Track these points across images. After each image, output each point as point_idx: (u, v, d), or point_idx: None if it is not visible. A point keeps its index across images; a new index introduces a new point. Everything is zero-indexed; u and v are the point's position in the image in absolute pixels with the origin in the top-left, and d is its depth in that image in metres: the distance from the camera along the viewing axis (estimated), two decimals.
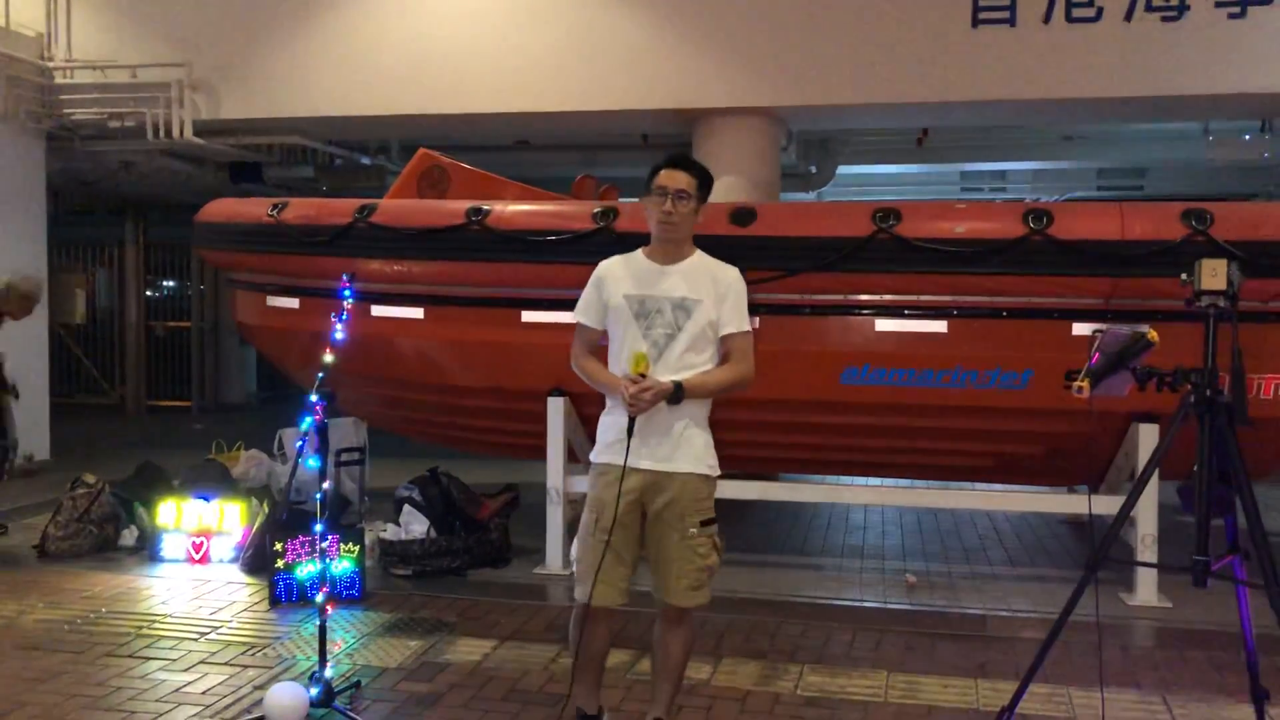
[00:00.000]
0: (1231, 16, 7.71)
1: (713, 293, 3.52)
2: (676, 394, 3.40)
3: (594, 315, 3.64)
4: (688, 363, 3.49)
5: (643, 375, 3.39)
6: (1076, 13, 7.90)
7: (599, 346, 3.69)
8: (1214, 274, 3.70)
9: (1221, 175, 12.57)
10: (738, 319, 3.56)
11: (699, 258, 3.61)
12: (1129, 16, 7.84)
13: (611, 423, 3.56)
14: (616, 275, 3.60)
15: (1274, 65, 7.66)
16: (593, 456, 3.64)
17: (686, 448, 3.51)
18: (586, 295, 3.67)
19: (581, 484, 6.14)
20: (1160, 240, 5.29)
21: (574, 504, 6.24)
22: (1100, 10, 7.87)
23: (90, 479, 6.75)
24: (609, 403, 3.61)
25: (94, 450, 10.52)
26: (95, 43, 9.71)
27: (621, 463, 3.45)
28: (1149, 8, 7.82)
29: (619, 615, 3.73)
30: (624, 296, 3.54)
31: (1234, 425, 3.58)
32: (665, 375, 3.44)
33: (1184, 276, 3.81)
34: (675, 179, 3.51)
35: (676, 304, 3.50)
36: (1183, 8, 7.76)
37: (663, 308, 3.50)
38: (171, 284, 15.75)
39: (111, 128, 9.85)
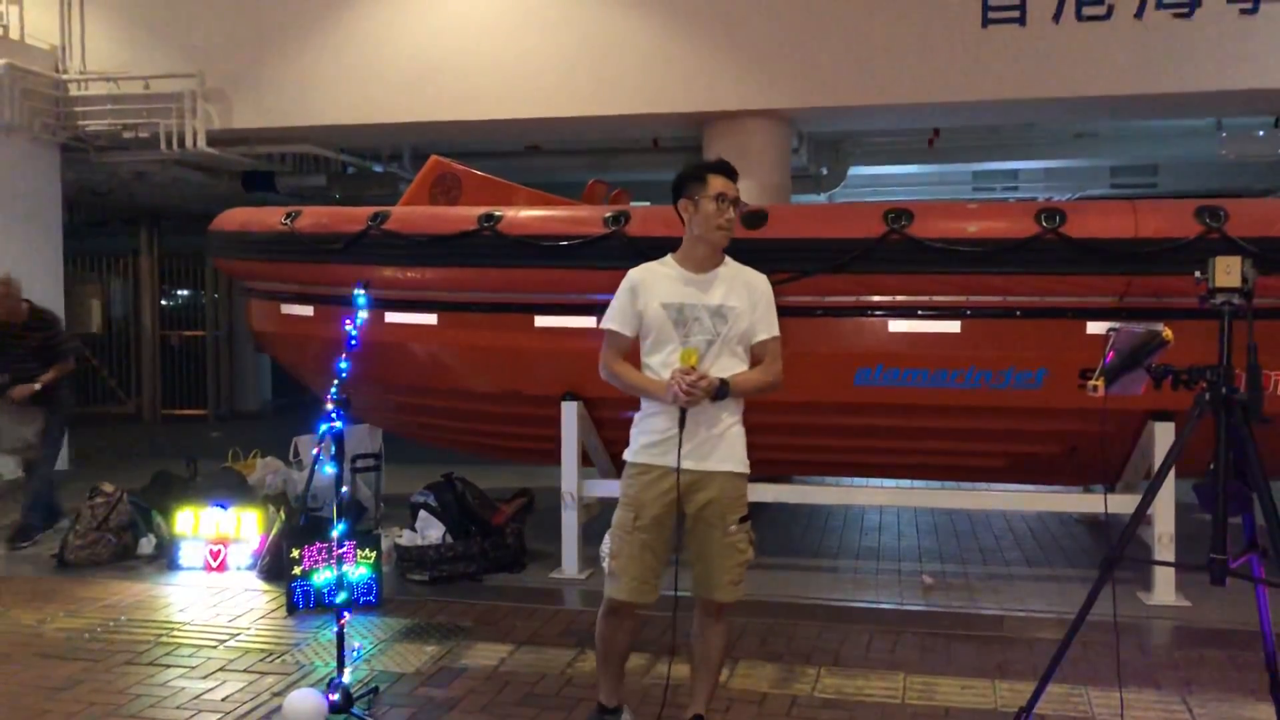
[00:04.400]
0: (1243, 13, 7.69)
1: (748, 300, 3.61)
2: (722, 390, 3.49)
3: (628, 323, 3.65)
4: (725, 368, 3.57)
5: (694, 368, 3.47)
6: (1087, 11, 7.89)
7: (629, 353, 3.72)
8: (1228, 271, 3.69)
9: (1235, 171, 12.52)
10: (770, 325, 3.66)
11: (730, 265, 3.69)
12: (1140, 14, 7.83)
13: (652, 424, 3.61)
14: (651, 283, 3.63)
15: None
16: (629, 456, 3.68)
17: (725, 448, 3.60)
18: (619, 303, 3.68)
19: (596, 488, 6.19)
20: (1174, 238, 5.27)
21: (589, 509, 6.26)
22: (1111, 8, 7.86)
23: (108, 488, 6.78)
24: (646, 406, 3.65)
25: (111, 459, 10.59)
26: (109, 55, 9.79)
27: (661, 463, 3.54)
28: (1160, 5, 7.81)
29: (642, 618, 3.77)
30: (661, 305, 3.58)
31: (1250, 422, 3.57)
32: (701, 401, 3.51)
33: (1198, 274, 3.79)
34: (731, 187, 3.60)
35: (714, 311, 3.57)
36: (1194, 4, 7.75)
37: (700, 315, 3.56)
38: (186, 293, 15.84)
39: (125, 138, 9.93)
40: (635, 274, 3.68)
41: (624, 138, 11.19)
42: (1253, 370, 3.67)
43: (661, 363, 3.57)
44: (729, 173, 3.64)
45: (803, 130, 10.00)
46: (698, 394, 3.43)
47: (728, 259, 3.70)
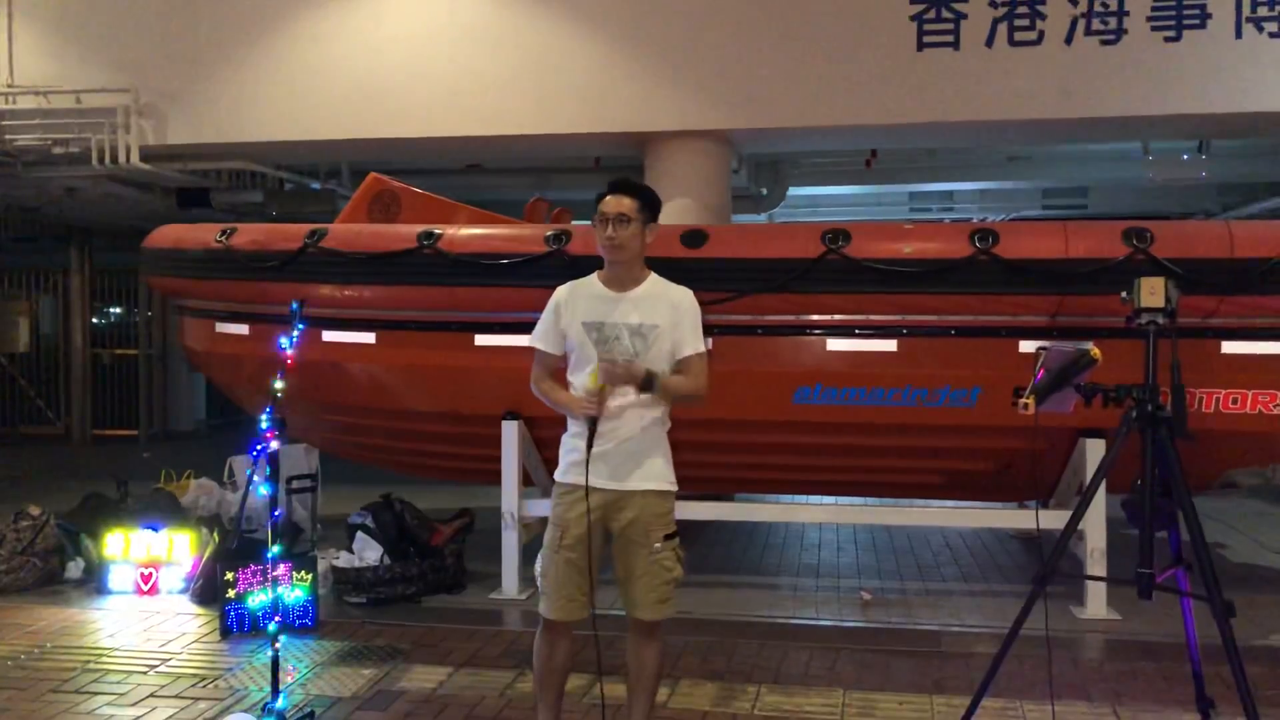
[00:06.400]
0: (1168, 40, 7.90)
1: (669, 317, 3.60)
2: (649, 380, 3.46)
3: (552, 341, 3.69)
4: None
5: (601, 389, 3.46)
6: (1019, 36, 8.06)
7: (558, 370, 3.74)
8: (1153, 292, 3.80)
9: (1161, 194, 12.85)
10: (695, 341, 3.64)
11: (653, 282, 3.67)
12: (1069, 40, 8.01)
13: (576, 444, 3.61)
14: (573, 302, 3.65)
15: (1208, 87, 7.86)
16: (556, 476, 3.71)
17: (646, 466, 3.59)
18: (544, 321, 3.72)
19: (536, 508, 6.16)
20: (1103, 259, 5.40)
21: (529, 528, 6.23)
22: (1041, 34, 8.03)
23: (35, 510, 6.62)
24: (572, 425, 3.66)
25: (39, 481, 10.31)
26: (39, 68, 9.57)
27: (583, 482, 3.53)
28: (1088, 31, 7.99)
29: (579, 638, 3.77)
30: (583, 324, 3.60)
31: (1175, 439, 3.66)
32: (625, 401, 3.52)
33: (1124, 294, 3.90)
34: (616, 204, 3.58)
35: (634, 330, 3.57)
36: (1120, 31, 7.94)
37: (620, 334, 3.57)
38: (118, 310, 15.52)
39: (56, 154, 9.71)
40: (560, 292, 3.72)
41: (565, 157, 11.20)
42: (1176, 388, 3.78)
43: (583, 382, 3.58)
44: (617, 189, 3.63)
45: (743, 151, 10.09)
46: (616, 375, 3.42)
47: (653, 275, 3.69)
